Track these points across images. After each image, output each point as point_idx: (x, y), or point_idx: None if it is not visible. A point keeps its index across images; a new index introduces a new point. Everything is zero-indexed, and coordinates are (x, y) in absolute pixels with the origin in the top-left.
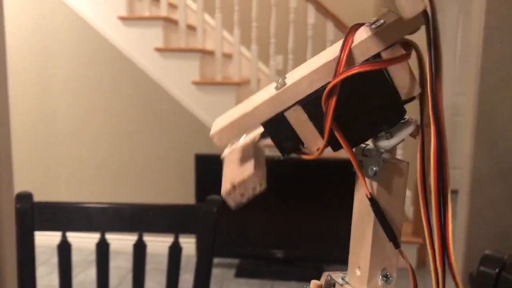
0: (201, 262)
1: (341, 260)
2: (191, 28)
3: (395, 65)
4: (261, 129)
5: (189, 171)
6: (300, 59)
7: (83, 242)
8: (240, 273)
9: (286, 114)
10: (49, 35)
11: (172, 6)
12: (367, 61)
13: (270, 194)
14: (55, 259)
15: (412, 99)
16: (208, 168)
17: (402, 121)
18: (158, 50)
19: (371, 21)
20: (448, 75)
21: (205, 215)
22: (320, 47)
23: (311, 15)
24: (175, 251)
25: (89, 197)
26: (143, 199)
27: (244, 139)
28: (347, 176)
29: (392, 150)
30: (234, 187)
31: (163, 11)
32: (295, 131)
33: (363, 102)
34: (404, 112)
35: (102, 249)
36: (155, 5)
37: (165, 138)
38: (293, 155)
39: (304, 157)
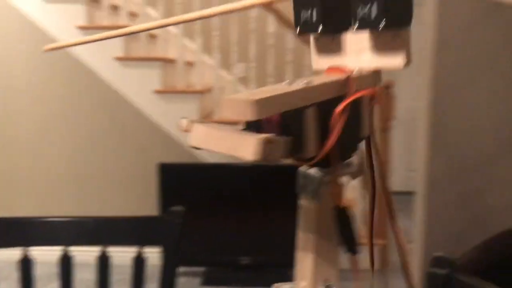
0: (166, 273)
1: None
2: (151, 36)
3: (368, 103)
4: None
5: (152, 180)
6: (262, 67)
7: (46, 255)
8: (207, 281)
9: (307, 111)
10: (4, 44)
11: (132, 15)
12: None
13: (233, 201)
14: (16, 274)
15: (363, 139)
16: (172, 177)
17: (348, 159)
18: (119, 59)
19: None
20: (406, 81)
21: (169, 226)
22: (280, 55)
23: (272, 23)
24: (139, 262)
25: (51, 210)
26: (106, 210)
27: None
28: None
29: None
30: (269, 140)
31: (123, 20)
32: (303, 132)
33: (346, 127)
34: (355, 149)
35: (65, 262)
36: (115, 14)
37: (127, 148)
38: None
39: (297, 162)
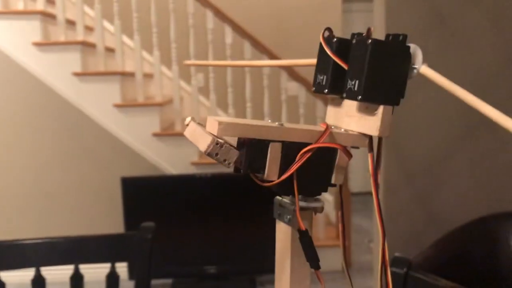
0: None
1: (272, 270)
2: (108, 50)
3: (344, 158)
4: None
5: (117, 195)
6: (220, 78)
7: (18, 276)
8: None
9: (271, 144)
10: None
11: (89, 29)
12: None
13: (197, 211)
14: None
15: (333, 185)
16: (135, 190)
17: (317, 198)
18: (77, 74)
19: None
20: None
21: (140, 242)
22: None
23: (229, 35)
24: (112, 279)
25: (15, 232)
26: (71, 228)
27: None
28: (269, 191)
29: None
30: (218, 144)
31: (80, 35)
32: (266, 159)
33: (313, 171)
34: (324, 191)
35: (38, 285)
36: (71, 29)
37: (90, 164)
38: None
39: (256, 181)
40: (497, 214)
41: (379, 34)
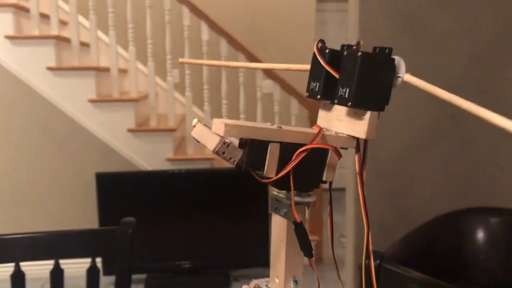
0: (120, 283)
1: (245, 265)
2: (83, 45)
3: (334, 157)
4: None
5: (90, 190)
6: (196, 75)
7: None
8: (149, 287)
9: (270, 144)
10: None
11: (63, 23)
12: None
13: (171, 207)
14: None
15: (325, 182)
16: (110, 186)
17: (309, 192)
18: (51, 69)
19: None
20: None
21: (121, 237)
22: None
23: (205, 32)
24: (93, 274)
25: None
26: (45, 224)
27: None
28: (243, 186)
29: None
30: (225, 143)
31: (54, 30)
32: (266, 159)
33: (306, 169)
34: (316, 187)
35: (17, 279)
36: (45, 23)
37: (64, 159)
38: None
39: (256, 177)
40: (462, 210)
41: (353, 36)
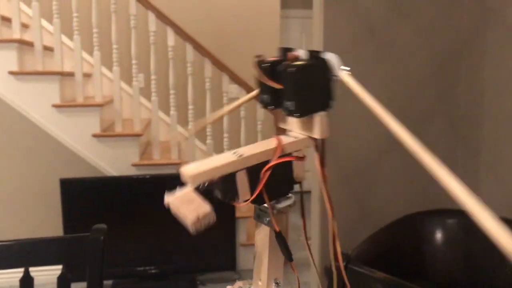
0: None
1: (212, 269)
2: (46, 49)
3: (298, 162)
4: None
5: (55, 197)
6: (162, 80)
7: None
8: None
9: (237, 174)
10: None
11: (25, 26)
12: (288, 155)
13: (136, 213)
14: None
15: (297, 182)
16: (74, 192)
17: (288, 195)
18: (13, 73)
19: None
20: None
21: (93, 244)
22: (181, 68)
23: (171, 37)
24: (63, 281)
25: None
26: (8, 231)
27: (189, 187)
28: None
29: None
30: (198, 218)
31: (16, 33)
32: (237, 187)
33: (277, 177)
34: (291, 189)
35: None
36: (6, 26)
37: (27, 166)
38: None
39: (235, 204)
40: (422, 212)
41: (317, 42)
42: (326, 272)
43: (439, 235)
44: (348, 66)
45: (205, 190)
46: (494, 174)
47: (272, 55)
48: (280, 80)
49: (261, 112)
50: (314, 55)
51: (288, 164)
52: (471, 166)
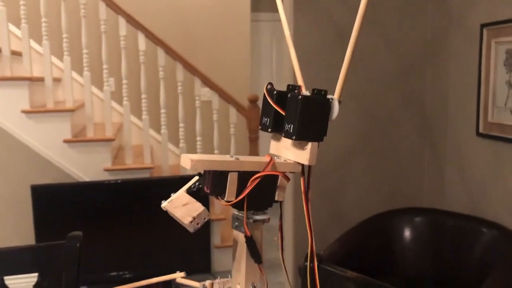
0: None
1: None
2: (14, 53)
3: (283, 181)
4: (194, 180)
5: (26, 204)
6: (134, 84)
7: None
8: None
9: (230, 174)
10: None
11: None
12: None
13: (109, 218)
14: None
15: (277, 201)
16: (46, 198)
17: (265, 210)
18: None
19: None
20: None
21: (69, 251)
22: (152, 72)
23: (142, 42)
24: None
25: None
26: None
27: (182, 190)
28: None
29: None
30: (194, 218)
31: None
32: (226, 185)
33: (261, 192)
34: (270, 206)
35: None
36: None
37: None
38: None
39: (220, 202)
40: (392, 210)
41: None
42: (300, 272)
43: (407, 233)
44: (318, 70)
45: (197, 190)
46: (458, 171)
47: (244, 58)
48: (284, 107)
49: (233, 115)
50: (319, 94)
51: (273, 184)
52: (438, 165)
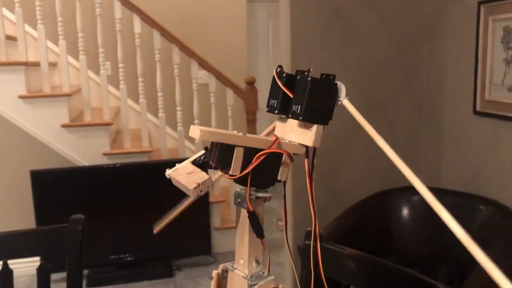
0: (72, 280)
1: (187, 254)
2: (9, 38)
3: (287, 161)
4: (200, 153)
5: (25, 189)
6: (130, 68)
7: None
8: (91, 283)
9: (236, 148)
10: None
11: None
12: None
13: (109, 202)
14: None
15: (279, 181)
16: (45, 183)
17: (267, 188)
18: None
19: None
20: (268, 76)
21: (71, 234)
22: (148, 56)
23: (137, 25)
24: (43, 272)
25: None
26: None
27: (187, 161)
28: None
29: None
30: (198, 184)
31: None
32: (232, 159)
33: (265, 170)
34: (272, 185)
35: None
36: None
37: None
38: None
39: (224, 176)
40: (389, 190)
41: (284, 26)
42: (299, 251)
43: (405, 212)
44: (315, 49)
45: (202, 163)
46: (455, 149)
47: (240, 40)
48: (292, 90)
49: (231, 97)
50: (327, 78)
51: (277, 163)
52: (434, 143)
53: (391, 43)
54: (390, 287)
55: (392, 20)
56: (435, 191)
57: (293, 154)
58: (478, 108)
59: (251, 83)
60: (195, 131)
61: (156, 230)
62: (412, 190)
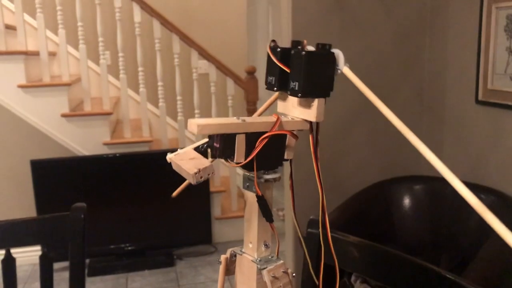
0: (74, 268)
1: (188, 243)
2: (8, 27)
3: (292, 139)
4: (203, 141)
5: (26, 178)
6: (130, 57)
7: None
8: (92, 272)
9: (237, 136)
10: None
11: None
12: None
13: (109, 191)
14: None
15: (286, 160)
16: (45, 173)
17: (276, 169)
18: None
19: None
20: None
21: (73, 223)
22: (148, 45)
23: (137, 14)
24: (46, 260)
25: None
26: None
27: (189, 147)
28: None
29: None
30: (199, 170)
31: None
32: (234, 147)
33: (270, 151)
34: (280, 165)
35: None
36: None
37: None
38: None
39: (228, 164)
40: (391, 179)
41: (285, 15)
42: (300, 241)
43: (407, 201)
44: (316, 38)
45: (204, 150)
46: (457, 139)
47: (240, 28)
48: (288, 64)
49: (231, 87)
50: (323, 48)
51: (282, 142)
52: (435, 131)
53: (392, 32)
54: (394, 275)
55: (394, 8)
56: (437, 180)
57: (299, 130)
58: (480, 97)
59: (251, 72)
60: (193, 126)
61: (174, 194)
62: (414, 179)
